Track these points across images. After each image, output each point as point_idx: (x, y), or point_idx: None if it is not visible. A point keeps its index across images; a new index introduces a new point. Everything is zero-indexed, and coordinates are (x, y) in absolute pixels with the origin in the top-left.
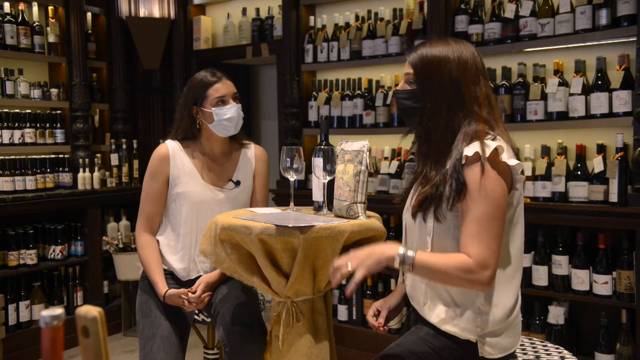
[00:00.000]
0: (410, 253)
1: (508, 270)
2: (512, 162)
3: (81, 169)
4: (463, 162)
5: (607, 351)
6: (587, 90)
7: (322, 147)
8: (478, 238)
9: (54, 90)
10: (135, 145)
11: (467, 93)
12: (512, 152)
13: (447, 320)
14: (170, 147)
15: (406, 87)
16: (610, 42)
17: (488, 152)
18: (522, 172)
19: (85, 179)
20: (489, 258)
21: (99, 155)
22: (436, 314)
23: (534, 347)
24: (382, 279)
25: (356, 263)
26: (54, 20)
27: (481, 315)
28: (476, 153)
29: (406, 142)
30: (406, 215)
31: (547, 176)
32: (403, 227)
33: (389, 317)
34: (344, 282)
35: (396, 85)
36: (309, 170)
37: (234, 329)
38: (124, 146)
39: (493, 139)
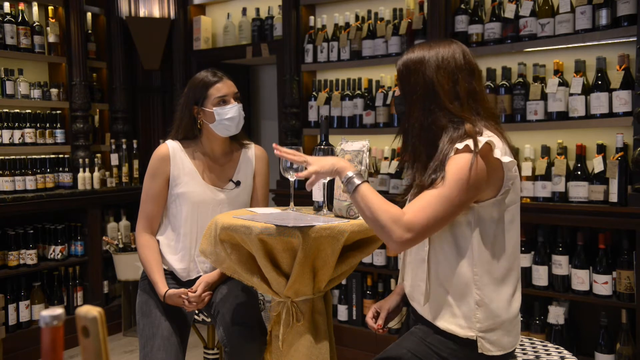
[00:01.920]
0: (357, 180)
1: (502, 268)
2: (505, 159)
3: (81, 169)
4: (452, 154)
5: (607, 351)
6: (587, 90)
7: (322, 147)
8: (423, 207)
9: (54, 90)
10: (135, 145)
11: (442, 91)
12: (507, 149)
13: (446, 319)
14: (171, 147)
15: (398, 92)
16: (610, 42)
17: (480, 146)
18: (517, 170)
19: (85, 179)
20: (419, 227)
21: (99, 155)
22: (435, 313)
23: (534, 347)
24: (382, 279)
25: (313, 170)
26: (54, 20)
27: (479, 312)
28: (466, 146)
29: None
30: None
31: (547, 176)
32: None
33: (388, 318)
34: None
35: (396, 85)
36: None
37: (234, 328)
38: (124, 146)
39: (482, 135)
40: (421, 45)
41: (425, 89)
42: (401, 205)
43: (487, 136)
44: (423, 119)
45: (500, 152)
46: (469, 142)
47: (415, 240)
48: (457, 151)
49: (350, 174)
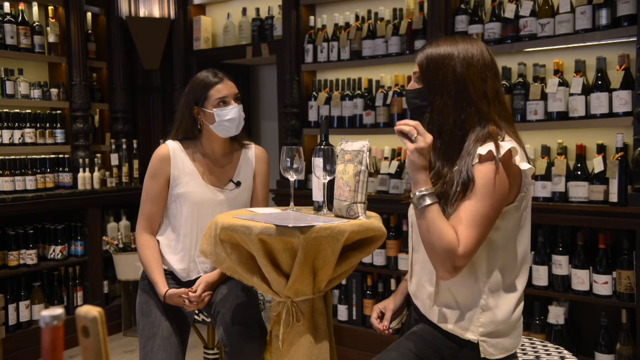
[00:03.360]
0: (428, 201)
1: (513, 274)
2: (524, 165)
3: (81, 169)
4: (476, 160)
5: (607, 351)
6: (587, 90)
7: (322, 147)
8: (470, 230)
9: (54, 90)
10: (135, 145)
11: (473, 89)
12: (524, 155)
13: (449, 320)
14: (171, 147)
15: (415, 85)
16: (610, 42)
17: (502, 152)
18: (533, 177)
19: (85, 179)
20: (471, 253)
21: (99, 155)
22: (438, 314)
23: (534, 347)
24: (382, 279)
25: (420, 142)
26: (54, 20)
27: (483, 316)
28: (490, 152)
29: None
30: (412, 212)
31: (547, 176)
32: (409, 224)
33: (392, 317)
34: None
35: (396, 85)
36: (309, 170)
37: (234, 328)
38: (124, 146)
39: (504, 140)
40: (445, 40)
41: (457, 85)
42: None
43: (508, 141)
44: (456, 117)
45: (520, 159)
46: (492, 148)
47: (462, 269)
48: (481, 157)
49: (425, 190)
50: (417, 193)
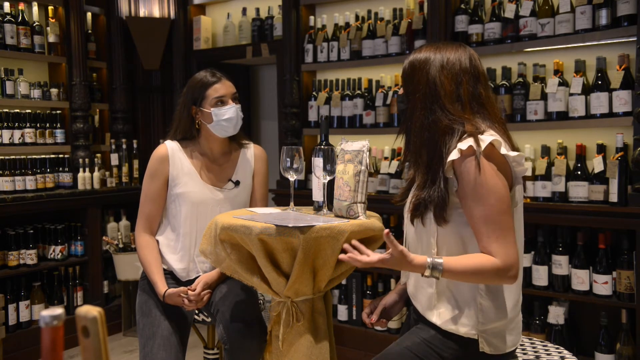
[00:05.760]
0: (439, 260)
1: None
2: (512, 153)
3: (81, 169)
4: (457, 156)
5: (607, 351)
6: (587, 90)
7: (322, 147)
8: (495, 237)
9: (54, 90)
10: (135, 145)
11: (443, 92)
12: (509, 148)
13: (448, 319)
14: (170, 147)
15: (401, 90)
16: (610, 42)
17: (483, 146)
18: (523, 166)
19: (85, 179)
20: (513, 254)
21: (99, 155)
22: (438, 314)
23: (534, 347)
24: (382, 279)
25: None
26: (54, 20)
27: (482, 311)
28: (470, 147)
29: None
30: (406, 215)
31: (547, 176)
32: (404, 227)
33: (386, 313)
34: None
35: (396, 85)
36: (309, 170)
37: (234, 326)
38: (124, 146)
39: (484, 134)
40: (429, 46)
41: (428, 88)
42: (403, 197)
43: (490, 134)
44: (424, 118)
45: (505, 150)
46: (472, 142)
47: (518, 260)
48: (462, 152)
49: (429, 259)
50: (427, 268)
